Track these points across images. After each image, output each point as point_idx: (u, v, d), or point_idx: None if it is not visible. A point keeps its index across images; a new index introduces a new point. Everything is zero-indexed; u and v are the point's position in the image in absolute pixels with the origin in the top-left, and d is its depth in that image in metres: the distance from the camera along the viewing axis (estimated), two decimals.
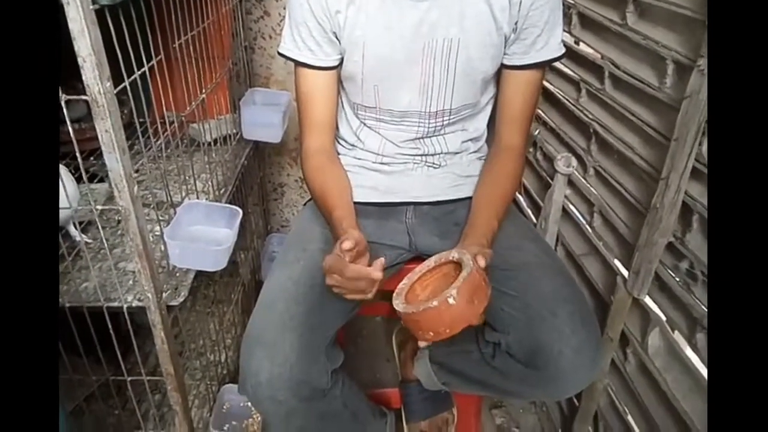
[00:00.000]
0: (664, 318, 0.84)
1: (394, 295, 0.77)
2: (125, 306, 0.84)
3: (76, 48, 0.59)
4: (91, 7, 0.59)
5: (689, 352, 0.80)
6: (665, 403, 0.84)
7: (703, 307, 0.75)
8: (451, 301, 0.68)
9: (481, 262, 0.74)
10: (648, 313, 0.87)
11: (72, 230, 0.93)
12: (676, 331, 0.83)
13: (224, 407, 1.18)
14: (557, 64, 1.14)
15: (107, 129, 0.65)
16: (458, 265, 0.75)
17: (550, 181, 1.15)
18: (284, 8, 1.45)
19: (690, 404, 0.78)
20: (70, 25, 0.58)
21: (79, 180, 0.90)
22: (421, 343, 0.83)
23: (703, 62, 0.71)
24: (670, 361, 0.83)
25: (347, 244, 0.74)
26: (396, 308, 0.74)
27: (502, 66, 0.92)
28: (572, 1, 1.12)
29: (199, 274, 0.94)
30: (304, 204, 1.11)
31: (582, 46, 1.12)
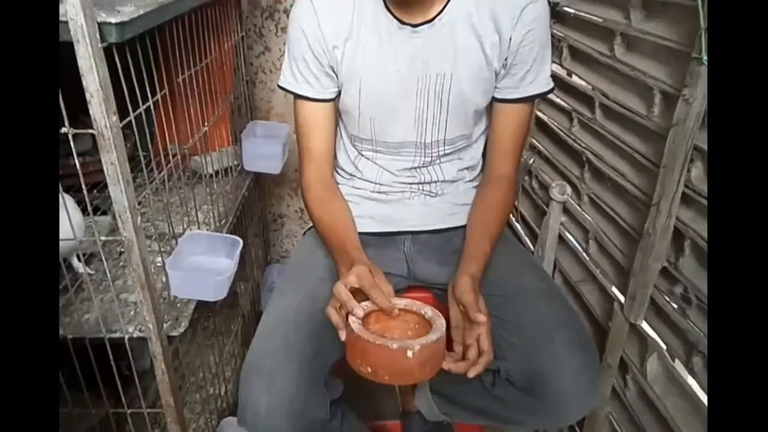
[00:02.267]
0: (661, 343, 0.85)
1: (353, 312, 0.74)
2: (126, 337, 0.85)
3: (84, 84, 0.62)
4: (100, 45, 0.62)
5: (687, 376, 0.80)
6: (666, 430, 0.83)
7: (698, 331, 0.76)
8: (409, 354, 0.67)
9: (481, 318, 0.76)
10: (645, 338, 0.87)
11: (75, 262, 0.94)
12: (673, 356, 0.83)
13: None
14: (550, 95, 1.17)
15: (113, 161, 0.67)
16: (425, 320, 0.75)
17: (546, 208, 1.17)
18: (284, 44, 1.49)
19: (690, 430, 0.78)
20: (80, 62, 0.61)
21: (83, 212, 0.92)
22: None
23: (687, 92, 0.73)
24: (669, 386, 0.83)
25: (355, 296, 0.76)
26: (351, 325, 0.72)
27: (494, 99, 0.95)
28: (562, 35, 1.16)
29: (200, 306, 0.94)
30: (303, 233, 1.12)
31: (573, 78, 1.15)
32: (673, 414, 0.81)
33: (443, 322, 0.73)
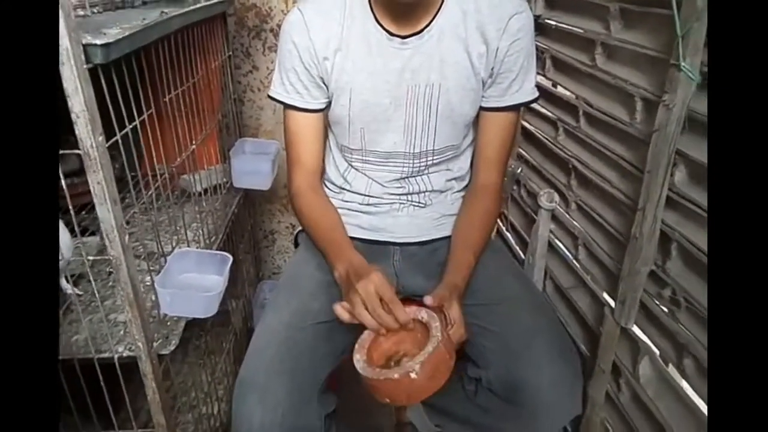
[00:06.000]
0: (652, 346, 0.85)
1: (356, 348, 0.77)
2: (116, 356, 0.84)
3: (69, 105, 0.62)
4: (85, 66, 0.62)
5: (679, 379, 0.80)
6: None
7: (688, 333, 0.76)
8: (413, 375, 0.69)
9: (454, 314, 0.76)
10: (637, 342, 0.88)
11: (63, 283, 0.93)
12: (665, 360, 0.84)
13: None
14: (535, 105, 1.19)
15: (99, 181, 0.67)
16: (425, 325, 0.76)
17: (535, 216, 1.18)
18: (272, 62, 1.50)
19: None
20: (65, 84, 0.61)
21: (71, 233, 0.91)
22: None
23: (667, 98, 0.75)
24: (661, 388, 0.84)
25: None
26: (355, 365, 0.75)
27: (480, 108, 0.96)
28: (545, 46, 1.17)
29: (191, 325, 0.94)
30: (295, 236, 1.12)
31: (558, 88, 1.17)
32: (667, 417, 0.81)
33: (438, 324, 0.74)
